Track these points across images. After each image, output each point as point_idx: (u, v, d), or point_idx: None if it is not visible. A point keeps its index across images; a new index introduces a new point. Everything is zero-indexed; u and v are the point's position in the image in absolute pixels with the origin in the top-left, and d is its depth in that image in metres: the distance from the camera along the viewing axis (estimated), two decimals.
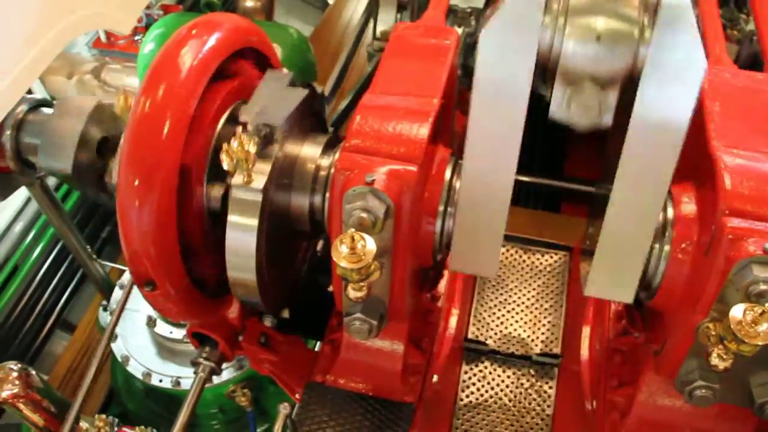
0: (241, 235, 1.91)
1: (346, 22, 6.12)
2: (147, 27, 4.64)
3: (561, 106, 1.79)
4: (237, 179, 1.87)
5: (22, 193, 3.77)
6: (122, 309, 2.60)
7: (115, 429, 3.27)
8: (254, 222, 1.88)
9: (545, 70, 1.77)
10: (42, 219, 4.60)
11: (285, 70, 2.22)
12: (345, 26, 6.04)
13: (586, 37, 1.68)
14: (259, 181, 1.86)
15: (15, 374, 2.97)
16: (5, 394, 2.94)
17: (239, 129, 1.87)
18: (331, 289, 2.48)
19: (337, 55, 5.03)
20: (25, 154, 2.74)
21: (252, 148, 1.80)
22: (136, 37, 4.88)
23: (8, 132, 2.77)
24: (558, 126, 1.85)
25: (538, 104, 1.81)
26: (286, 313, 2.32)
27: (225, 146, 1.83)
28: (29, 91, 3.05)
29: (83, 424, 3.36)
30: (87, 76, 4.48)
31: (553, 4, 1.70)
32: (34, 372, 3.07)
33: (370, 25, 4.47)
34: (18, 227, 4.48)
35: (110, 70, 4.53)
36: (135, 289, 3.73)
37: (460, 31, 3.28)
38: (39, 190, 3.32)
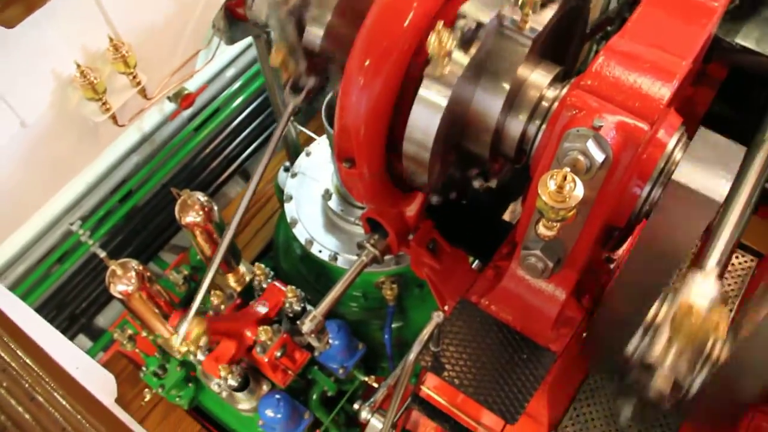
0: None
1: None
2: None
3: None
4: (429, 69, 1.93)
5: (241, 43, 3.96)
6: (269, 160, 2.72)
7: (269, 281, 3.50)
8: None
9: None
10: (251, 71, 4.83)
11: None
12: None
13: None
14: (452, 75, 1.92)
15: (201, 205, 3.21)
16: (189, 219, 3.20)
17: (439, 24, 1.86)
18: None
19: None
20: None
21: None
22: None
23: None
24: None
25: None
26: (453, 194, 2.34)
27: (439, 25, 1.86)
28: None
29: (242, 268, 3.63)
30: None
31: None
32: (216, 208, 3.31)
33: None
34: (230, 73, 4.72)
35: None
36: (317, 159, 3.91)
37: None
38: (263, 43, 3.48)
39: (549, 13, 1.97)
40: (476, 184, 2.38)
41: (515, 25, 1.94)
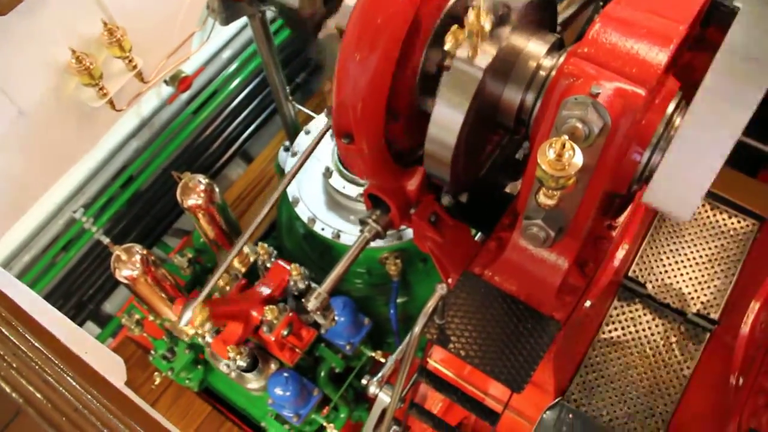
0: (450, 111, 1.93)
1: None
2: None
3: None
4: (462, 52, 1.87)
5: (236, 24, 3.94)
6: (310, 154, 2.72)
7: (272, 260, 3.51)
8: (466, 100, 1.89)
9: None
10: (248, 52, 4.81)
11: None
12: None
13: None
14: (483, 60, 1.86)
15: (202, 187, 3.22)
16: (191, 202, 3.21)
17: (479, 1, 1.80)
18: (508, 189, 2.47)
19: None
20: None
21: (487, 25, 1.78)
22: None
23: None
24: None
25: None
26: (464, 197, 2.35)
27: (454, 28, 1.83)
28: None
29: (246, 248, 3.65)
30: None
31: None
32: (217, 189, 3.32)
33: None
34: (226, 54, 4.71)
35: None
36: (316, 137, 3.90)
37: None
38: (258, 22, 3.45)
39: (506, 31, 1.93)
40: (445, 201, 2.41)
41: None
